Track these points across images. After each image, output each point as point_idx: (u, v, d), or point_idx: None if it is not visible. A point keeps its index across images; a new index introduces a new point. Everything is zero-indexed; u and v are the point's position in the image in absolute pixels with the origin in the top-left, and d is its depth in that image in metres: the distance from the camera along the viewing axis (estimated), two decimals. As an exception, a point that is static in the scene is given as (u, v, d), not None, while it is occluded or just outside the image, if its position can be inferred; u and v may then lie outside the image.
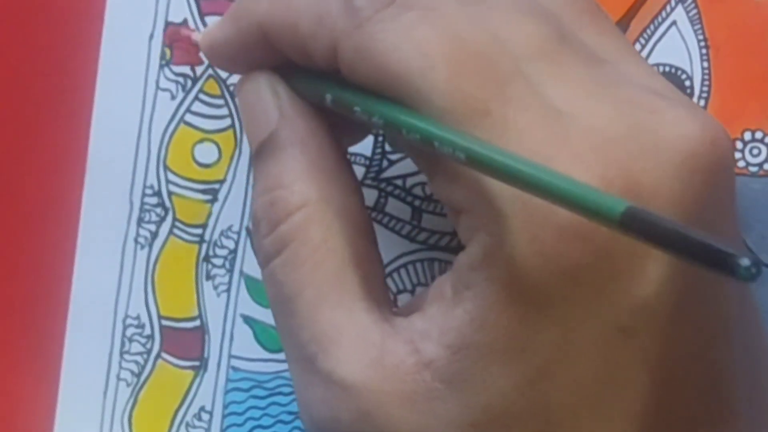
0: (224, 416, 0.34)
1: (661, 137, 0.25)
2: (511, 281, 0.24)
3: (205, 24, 0.33)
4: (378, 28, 0.25)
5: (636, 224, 0.21)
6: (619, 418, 0.25)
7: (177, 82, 0.33)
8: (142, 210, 0.33)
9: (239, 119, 0.33)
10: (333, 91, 0.28)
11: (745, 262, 0.19)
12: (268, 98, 0.29)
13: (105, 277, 0.33)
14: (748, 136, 0.33)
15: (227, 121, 0.33)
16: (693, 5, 0.33)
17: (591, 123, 0.24)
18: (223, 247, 0.33)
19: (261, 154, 0.29)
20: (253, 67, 0.29)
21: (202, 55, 0.32)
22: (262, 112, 0.29)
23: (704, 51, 0.33)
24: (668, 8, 0.33)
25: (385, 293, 0.28)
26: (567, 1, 0.27)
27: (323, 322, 0.27)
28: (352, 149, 0.32)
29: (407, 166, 0.33)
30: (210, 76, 0.33)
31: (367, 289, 0.27)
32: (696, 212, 0.25)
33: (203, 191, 0.33)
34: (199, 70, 0.33)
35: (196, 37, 0.32)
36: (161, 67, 0.33)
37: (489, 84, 0.25)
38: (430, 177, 0.27)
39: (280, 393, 0.34)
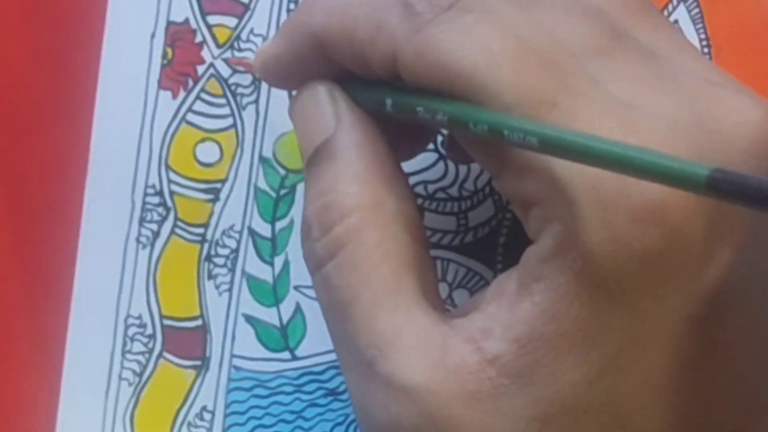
0: (226, 416, 0.34)
1: (725, 124, 0.25)
2: (584, 270, 0.24)
3: (207, 23, 0.33)
4: (439, 29, 0.26)
5: (723, 185, 0.21)
6: (686, 408, 0.25)
7: (178, 81, 0.33)
8: (143, 209, 0.33)
9: (241, 119, 0.33)
10: (393, 95, 0.28)
11: None
12: (326, 104, 0.29)
13: (107, 276, 0.33)
14: (749, 135, 0.33)
15: (229, 121, 0.33)
16: (695, 4, 0.33)
17: (656, 113, 0.25)
18: (224, 246, 0.33)
19: (315, 159, 0.28)
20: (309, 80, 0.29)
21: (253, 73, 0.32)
22: (319, 118, 0.29)
23: (706, 50, 0.33)
24: (670, 7, 0.33)
25: (439, 297, 0.28)
26: (619, 0, 0.27)
27: (381, 326, 0.26)
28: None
29: (409, 165, 0.33)
30: (212, 75, 0.33)
31: (423, 292, 0.27)
32: None
33: (205, 190, 0.33)
34: (200, 69, 0.33)
35: (250, 61, 0.32)
36: (163, 66, 0.33)
37: (553, 78, 0.25)
38: (497, 173, 0.27)
39: (281, 392, 0.34)
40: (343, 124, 0.28)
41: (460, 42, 0.25)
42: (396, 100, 0.27)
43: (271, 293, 0.34)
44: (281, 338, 0.34)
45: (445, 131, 0.32)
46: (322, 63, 0.29)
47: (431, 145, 0.33)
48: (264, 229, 0.34)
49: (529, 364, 0.25)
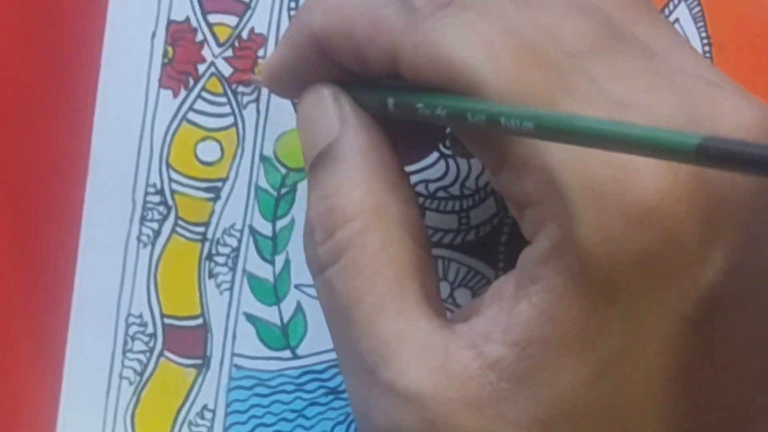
0: (227, 414, 0.34)
1: (721, 125, 0.25)
2: (580, 271, 0.24)
3: (207, 22, 0.33)
4: (439, 24, 0.26)
5: (713, 152, 0.21)
6: (685, 409, 0.25)
7: (179, 80, 0.33)
8: (144, 208, 0.33)
9: (241, 117, 0.33)
10: (394, 94, 0.28)
11: None
12: (331, 107, 0.28)
13: (107, 275, 0.33)
14: (751, 133, 0.33)
15: (230, 119, 0.33)
16: (696, 3, 0.33)
17: (651, 114, 0.25)
18: (225, 245, 0.33)
19: (319, 162, 0.28)
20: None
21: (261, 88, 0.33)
22: (323, 121, 0.28)
23: (707, 48, 0.33)
24: (671, 5, 0.33)
25: (441, 302, 0.28)
26: None
27: (384, 331, 0.26)
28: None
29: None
30: (212, 74, 0.33)
31: (425, 298, 0.27)
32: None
33: (206, 189, 0.33)
34: (201, 68, 0.33)
35: (255, 76, 0.33)
36: (163, 65, 0.33)
37: (552, 76, 0.25)
38: (495, 171, 0.27)
39: (282, 391, 0.34)
40: (347, 128, 0.28)
41: (460, 37, 0.25)
42: (397, 98, 0.27)
43: (272, 292, 0.34)
44: (282, 337, 0.34)
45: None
46: (325, 66, 0.29)
47: (432, 144, 0.33)
48: (265, 227, 0.34)
49: (528, 367, 0.25)
